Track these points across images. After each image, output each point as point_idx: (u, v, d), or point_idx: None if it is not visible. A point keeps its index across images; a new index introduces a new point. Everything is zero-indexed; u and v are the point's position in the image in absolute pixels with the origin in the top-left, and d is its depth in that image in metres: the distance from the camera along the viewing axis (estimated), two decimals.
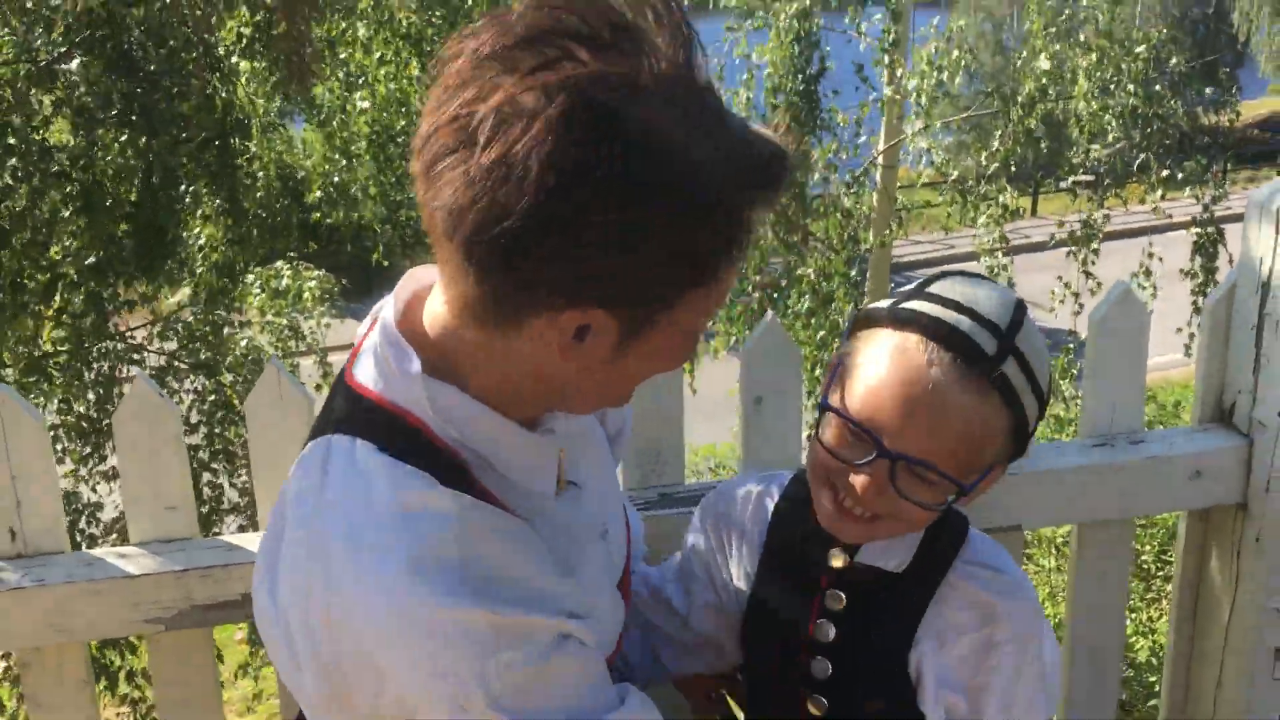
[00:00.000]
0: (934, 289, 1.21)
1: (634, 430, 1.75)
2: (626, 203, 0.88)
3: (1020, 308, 1.21)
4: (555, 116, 0.86)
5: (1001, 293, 1.22)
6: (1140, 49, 6.60)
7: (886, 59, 6.99)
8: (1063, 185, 8.22)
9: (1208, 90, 11.02)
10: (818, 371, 6.81)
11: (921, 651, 1.27)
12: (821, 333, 6.72)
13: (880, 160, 7.18)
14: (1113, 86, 6.59)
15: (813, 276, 6.61)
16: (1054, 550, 6.67)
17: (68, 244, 5.52)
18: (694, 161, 0.89)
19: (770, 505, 1.39)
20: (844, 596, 1.29)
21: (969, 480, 1.18)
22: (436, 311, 1.05)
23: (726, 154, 0.92)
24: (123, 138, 5.59)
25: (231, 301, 7.09)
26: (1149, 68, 6.64)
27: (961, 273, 1.25)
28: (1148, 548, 6.98)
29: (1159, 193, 7.51)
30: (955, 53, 6.79)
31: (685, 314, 0.99)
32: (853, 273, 6.76)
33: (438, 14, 7.34)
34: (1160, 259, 7.44)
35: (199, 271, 6.97)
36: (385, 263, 9.08)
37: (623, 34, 0.90)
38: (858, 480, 1.18)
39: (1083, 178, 8.49)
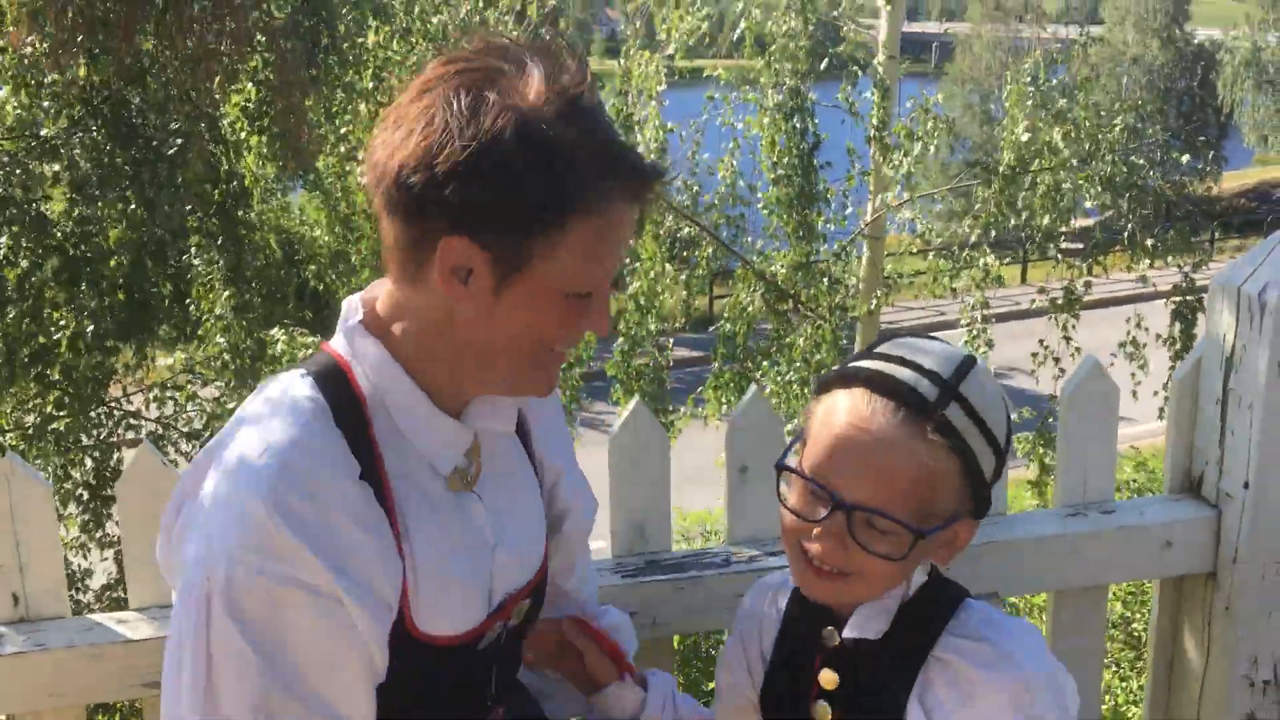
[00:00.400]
0: (881, 349, 1.28)
1: (621, 500, 1.81)
2: (498, 158, 1.10)
3: (968, 361, 1.26)
4: (453, 99, 1.11)
5: (947, 348, 1.27)
6: (1118, 120, 6.75)
7: (874, 133, 7.15)
8: (1049, 254, 8.36)
9: (1184, 158, 11.19)
10: None
11: None
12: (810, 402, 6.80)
13: (866, 230, 7.30)
14: (1091, 159, 6.73)
15: (802, 345, 6.72)
16: (1041, 616, 6.69)
17: (62, 313, 5.58)
18: (556, 138, 1.11)
19: (789, 594, 1.42)
20: (837, 676, 1.31)
21: (927, 526, 1.21)
22: (386, 284, 1.25)
23: (592, 145, 1.13)
24: (119, 208, 5.69)
25: (253, 367, 7.10)
26: (1128, 139, 6.79)
27: (911, 334, 1.31)
28: (1139, 615, 6.99)
29: (1144, 261, 7.63)
30: (930, 123, 6.96)
31: (548, 268, 1.15)
32: (841, 341, 6.86)
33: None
34: (1146, 327, 7.54)
35: (215, 339, 7.00)
36: None
37: (533, 61, 1.15)
38: (820, 536, 1.22)
39: (1073, 246, 8.63)
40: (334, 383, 1.22)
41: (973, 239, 6.94)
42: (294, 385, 1.21)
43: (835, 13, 7.88)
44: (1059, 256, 8.10)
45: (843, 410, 1.23)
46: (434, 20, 7.37)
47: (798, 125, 7.33)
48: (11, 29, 5.05)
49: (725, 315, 7.36)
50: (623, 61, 7.67)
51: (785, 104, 7.31)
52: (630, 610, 1.75)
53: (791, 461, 1.27)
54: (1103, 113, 6.95)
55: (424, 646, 1.24)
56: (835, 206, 7.36)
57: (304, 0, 6.37)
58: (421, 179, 1.11)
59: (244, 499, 1.14)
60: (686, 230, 7.49)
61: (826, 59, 7.91)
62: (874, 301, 7.01)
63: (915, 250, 7.71)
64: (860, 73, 7.76)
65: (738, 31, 7.99)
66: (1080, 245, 8.90)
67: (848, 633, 1.29)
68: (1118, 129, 6.70)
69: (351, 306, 1.27)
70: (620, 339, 7.17)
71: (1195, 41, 42.62)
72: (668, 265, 7.12)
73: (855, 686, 1.30)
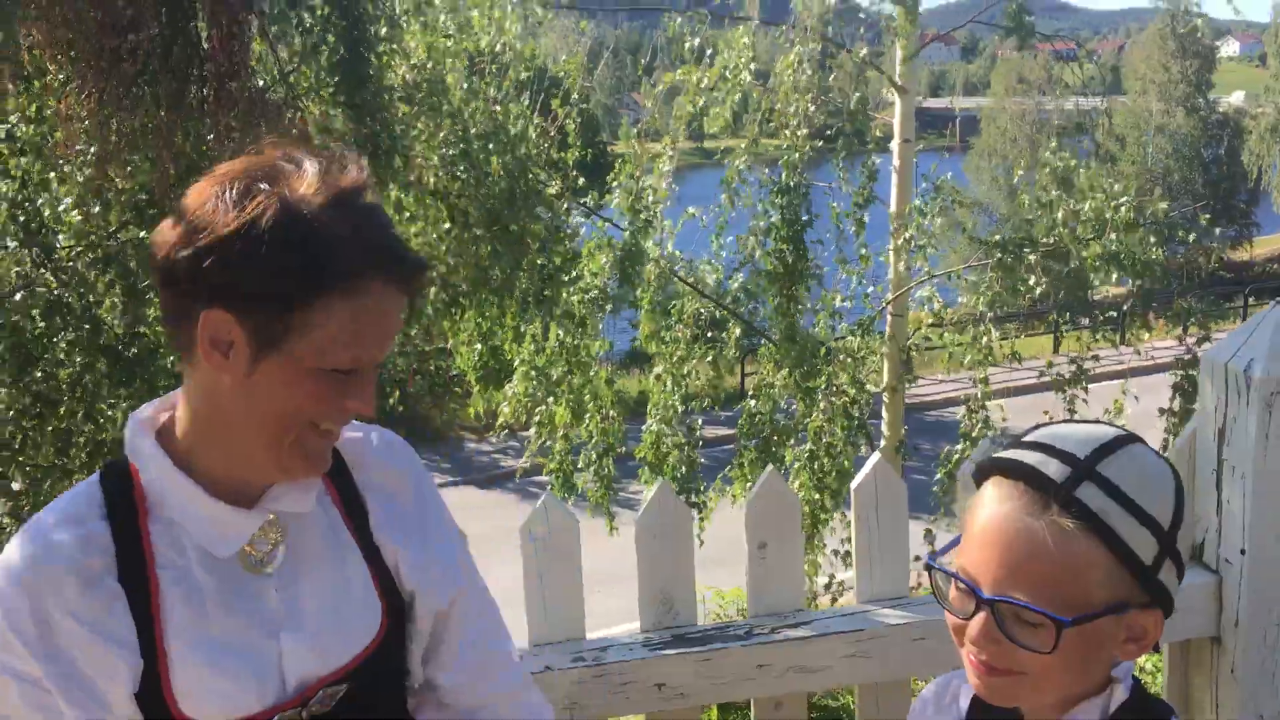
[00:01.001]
0: (1025, 435, 1.23)
1: (647, 577, 1.92)
2: (256, 235, 1.16)
3: (1117, 439, 1.19)
4: (228, 188, 1.19)
5: (1095, 428, 1.21)
6: (1124, 199, 6.85)
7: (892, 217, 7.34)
8: (1081, 324, 8.45)
9: (1216, 229, 11.29)
10: (823, 516, 6.98)
11: None
12: (825, 476, 6.88)
13: (890, 308, 7.44)
14: (1098, 237, 6.83)
15: (821, 421, 6.82)
16: None
17: (115, 410, 5.77)
18: (316, 223, 1.18)
19: (971, 694, 1.34)
20: None
21: (1075, 615, 1.12)
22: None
23: (357, 234, 1.20)
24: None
25: None
26: (1135, 215, 6.89)
27: (1066, 420, 1.26)
28: (1153, 681, 6.92)
29: (1144, 334, 7.70)
30: (938, 203, 7.12)
31: (305, 343, 1.20)
32: (855, 416, 6.93)
33: (461, 169, 7.77)
34: (1136, 396, 7.46)
35: None
36: (401, 408, 9.34)
37: (311, 161, 1.23)
38: (975, 633, 1.17)
39: (1081, 320, 8.72)
40: (119, 478, 1.29)
41: (981, 314, 7.04)
42: (88, 480, 1.31)
43: (850, 99, 8.09)
44: (1075, 325, 8.18)
45: (981, 502, 1.19)
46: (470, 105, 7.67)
47: (788, 204, 7.50)
48: (60, 140, 5.33)
49: (751, 393, 7.48)
50: (635, 144, 7.92)
51: (781, 181, 7.51)
52: (658, 683, 1.86)
53: (947, 559, 1.23)
54: (1107, 189, 7.05)
55: None
56: (853, 284, 7.51)
57: (354, 105, 6.63)
58: (187, 254, 1.18)
59: None
60: (714, 312, 7.64)
61: (839, 137, 8.09)
62: (898, 380, 7.13)
63: (932, 324, 7.83)
64: (874, 158, 7.95)
65: (756, 115, 8.23)
66: (1114, 313, 8.97)
67: None
68: (1123, 209, 6.80)
69: (139, 411, 1.34)
70: (649, 421, 7.29)
71: (1219, 110, 42.83)
72: (694, 346, 7.27)
73: None
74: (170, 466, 1.27)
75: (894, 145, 7.67)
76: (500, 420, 8.05)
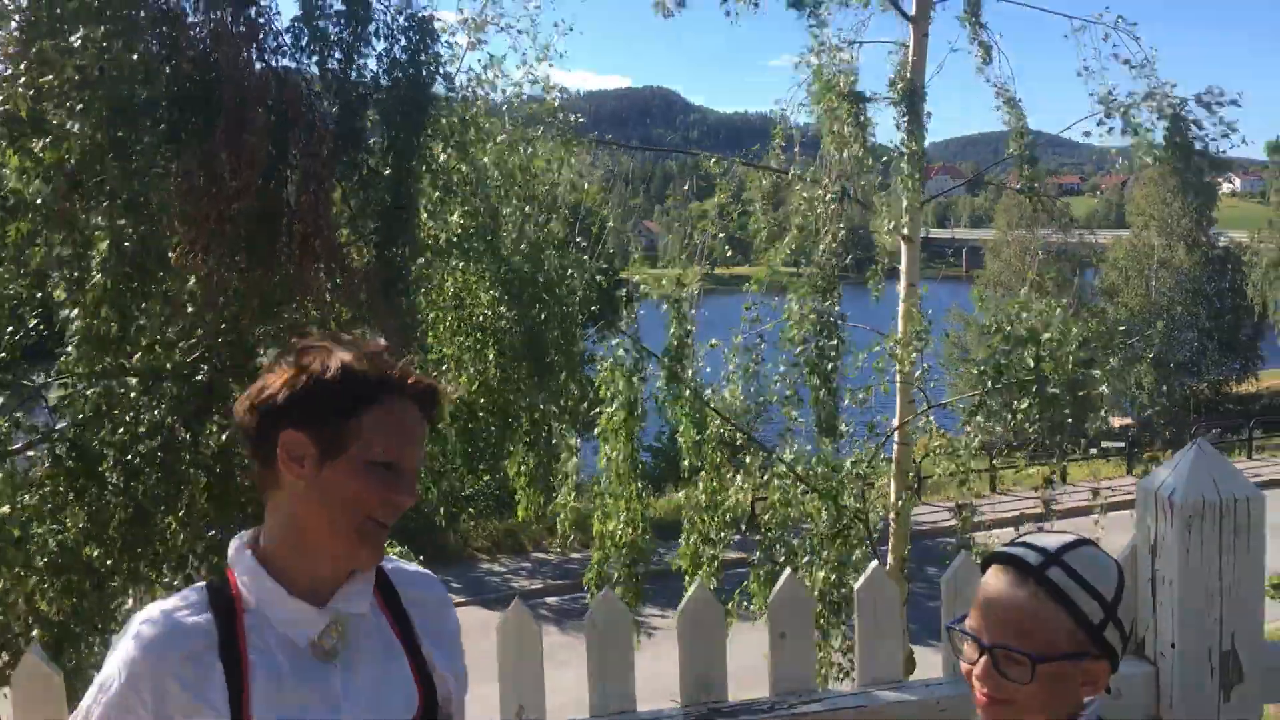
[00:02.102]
0: (1016, 539, 1.75)
1: (689, 660, 2.35)
2: (314, 380, 1.63)
3: (1078, 541, 1.68)
4: (287, 359, 1.68)
5: (1065, 536, 1.70)
6: (1116, 340, 7.35)
7: (895, 347, 7.91)
8: (1090, 453, 8.92)
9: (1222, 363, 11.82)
10: (833, 620, 7.47)
11: None
12: (821, 573, 7.38)
13: (896, 437, 7.93)
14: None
15: (822, 532, 7.33)
16: None
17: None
18: (355, 368, 1.65)
19: None
20: None
21: (1045, 654, 1.59)
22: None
23: (383, 375, 1.67)
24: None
25: None
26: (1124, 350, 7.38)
27: (1043, 531, 1.83)
28: None
29: (1155, 464, 8.14)
30: (924, 336, 7.71)
31: (358, 446, 1.63)
32: (852, 536, 7.41)
33: (505, 308, 8.46)
34: (1104, 527, 7.88)
35: None
36: (443, 525, 9.86)
37: (350, 339, 1.72)
38: (979, 671, 1.64)
39: (1113, 444, 9.15)
40: (220, 581, 1.70)
41: (974, 446, 7.53)
42: (197, 585, 1.71)
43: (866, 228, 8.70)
44: (1086, 454, 8.61)
45: (984, 582, 1.68)
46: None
47: (820, 344, 8.13)
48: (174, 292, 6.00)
49: (765, 519, 7.94)
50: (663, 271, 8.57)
51: (808, 320, 8.13)
52: None
53: (962, 624, 1.70)
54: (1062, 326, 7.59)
55: None
56: (856, 417, 8.08)
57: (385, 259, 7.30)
58: (266, 402, 1.65)
59: (111, 664, 1.64)
60: (739, 437, 8.16)
61: (865, 266, 8.65)
62: (901, 503, 7.59)
63: (936, 451, 8.31)
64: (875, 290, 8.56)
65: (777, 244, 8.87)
66: (1121, 444, 9.39)
67: None
68: (1113, 360, 7.32)
69: (239, 538, 1.74)
70: (686, 533, 7.79)
71: (1220, 245, 43.70)
72: (723, 469, 7.82)
73: None
74: (262, 573, 1.68)
75: (900, 289, 8.27)
76: (560, 530, 8.58)
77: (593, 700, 2.33)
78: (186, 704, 1.59)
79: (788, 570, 2.44)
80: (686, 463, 8.10)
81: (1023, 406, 7.18)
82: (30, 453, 6.14)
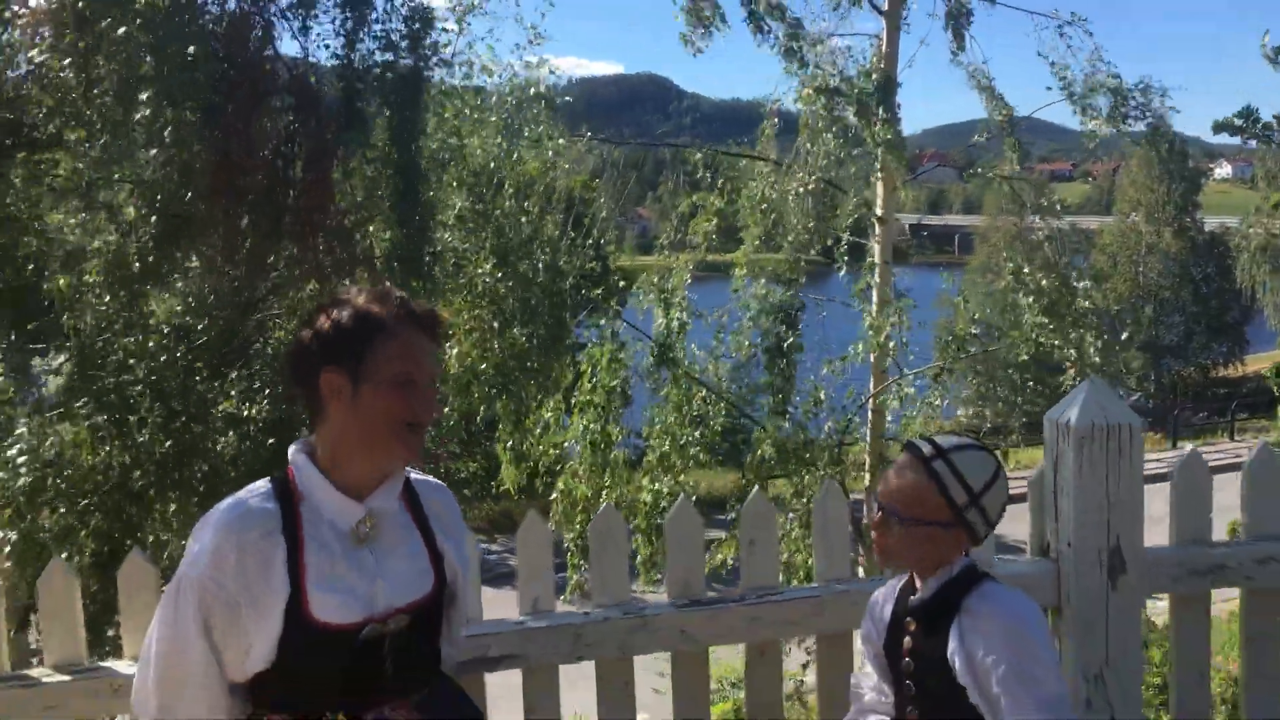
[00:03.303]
0: (931, 437, 2.28)
1: (673, 565, 2.85)
2: (337, 326, 2.07)
3: (966, 445, 2.23)
4: (318, 311, 2.14)
5: (963, 439, 2.26)
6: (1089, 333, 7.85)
7: (870, 323, 8.46)
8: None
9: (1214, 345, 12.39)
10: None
11: (953, 650, 2.16)
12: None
13: (870, 405, 8.46)
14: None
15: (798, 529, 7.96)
16: None
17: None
18: (368, 310, 2.08)
19: (895, 589, 2.37)
20: (915, 621, 2.26)
21: (914, 518, 2.17)
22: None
23: (392, 309, 2.09)
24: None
25: None
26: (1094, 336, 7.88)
27: (954, 433, 2.30)
28: None
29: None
30: (898, 317, 8.27)
31: (378, 371, 2.05)
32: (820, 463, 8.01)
33: (503, 275, 9.05)
34: None
35: None
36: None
37: (373, 289, 2.13)
38: (874, 522, 2.24)
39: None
40: (281, 480, 2.12)
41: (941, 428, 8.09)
42: (262, 482, 2.14)
43: (844, 224, 9.21)
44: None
45: (896, 459, 2.27)
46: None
47: (778, 333, 8.73)
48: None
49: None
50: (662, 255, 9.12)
51: (769, 313, 8.75)
52: (681, 629, 2.78)
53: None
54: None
55: (318, 627, 2.02)
56: (835, 391, 8.66)
57: (407, 228, 7.80)
58: (302, 352, 2.10)
59: (199, 540, 2.05)
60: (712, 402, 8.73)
61: (841, 254, 9.17)
62: (878, 473, 8.13)
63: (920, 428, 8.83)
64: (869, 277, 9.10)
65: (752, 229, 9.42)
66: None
67: (918, 596, 2.26)
68: (1090, 336, 7.81)
69: (298, 443, 2.17)
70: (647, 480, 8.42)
71: (1207, 230, 44.30)
72: (687, 428, 8.41)
73: (925, 624, 2.24)
74: (316, 473, 2.11)
75: (874, 265, 8.79)
76: (554, 515, 9.10)
77: (595, 594, 2.84)
78: (259, 572, 2.03)
79: (755, 489, 2.95)
80: (653, 452, 8.69)
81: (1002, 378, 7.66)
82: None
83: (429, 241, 7.93)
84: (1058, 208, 12.25)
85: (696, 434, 8.54)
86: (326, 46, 8.05)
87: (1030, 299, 7.99)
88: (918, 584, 2.29)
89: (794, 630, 2.86)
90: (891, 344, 8.14)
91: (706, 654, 2.88)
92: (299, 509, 2.09)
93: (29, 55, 6.23)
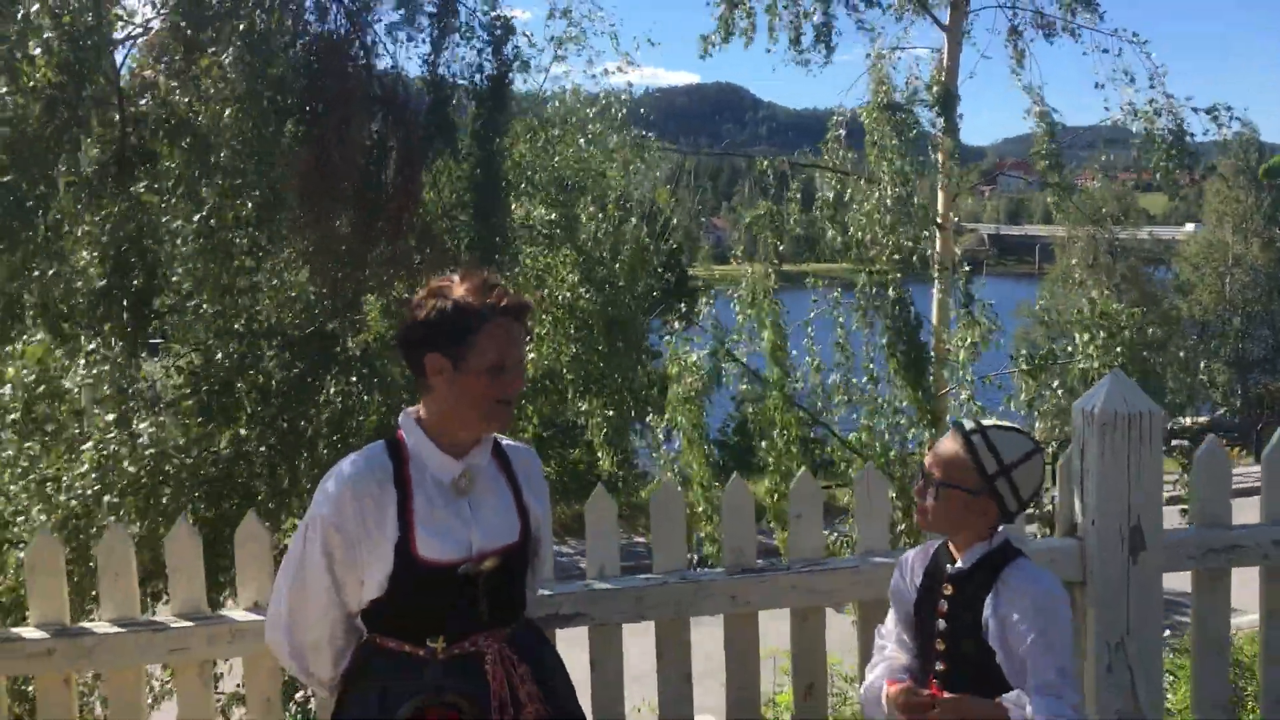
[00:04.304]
0: (979, 419, 2.57)
1: (727, 537, 3.13)
2: (441, 314, 2.35)
3: (1008, 427, 2.48)
4: (424, 298, 2.42)
5: (1006, 424, 2.51)
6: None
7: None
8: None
9: None
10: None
11: (988, 616, 2.43)
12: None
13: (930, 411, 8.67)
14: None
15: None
16: None
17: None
18: (467, 301, 2.35)
19: (929, 552, 2.63)
20: (953, 588, 2.50)
21: (951, 484, 2.44)
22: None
23: (487, 301, 2.36)
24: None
25: None
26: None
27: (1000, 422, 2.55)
28: None
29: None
30: (977, 326, 8.42)
31: (478, 354, 2.34)
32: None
33: (584, 290, 9.46)
34: None
35: None
36: None
37: (469, 276, 2.42)
38: (917, 488, 2.53)
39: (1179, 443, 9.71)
40: (392, 441, 2.45)
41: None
42: (377, 443, 2.48)
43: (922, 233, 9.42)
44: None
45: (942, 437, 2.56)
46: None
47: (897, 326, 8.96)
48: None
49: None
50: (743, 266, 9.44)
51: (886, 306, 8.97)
52: (732, 595, 3.06)
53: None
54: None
55: (423, 564, 2.35)
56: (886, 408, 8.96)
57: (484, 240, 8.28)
58: (410, 335, 2.39)
59: (325, 489, 2.39)
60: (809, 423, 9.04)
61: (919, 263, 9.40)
62: None
63: None
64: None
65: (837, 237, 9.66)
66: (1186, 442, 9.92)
67: (958, 565, 2.51)
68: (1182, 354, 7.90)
69: (407, 410, 2.50)
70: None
71: None
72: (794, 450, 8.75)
73: (961, 594, 2.48)
74: (421, 433, 2.44)
75: (934, 272, 8.99)
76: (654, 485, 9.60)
77: (656, 563, 3.14)
78: (375, 515, 2.37)
79: (802, 469, 3.22)
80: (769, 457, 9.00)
81: (1054, 385, 7.83)
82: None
83: (504, 235, 8.39)
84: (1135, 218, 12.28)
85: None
86: (416, 58, 8.65)
87: (1090, 333, 8.12)
88: (954, 552, 2.55)
89: (834, 598, 3.13)
90: (961, 351, 8.34)
91: (756, 619, 3.16)
92: (408, 465, 2.41)
93: (144, 75, 6.78)
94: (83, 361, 6.78)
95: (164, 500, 6.68)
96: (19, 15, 6.13)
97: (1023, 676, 2.40)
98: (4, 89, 6.17)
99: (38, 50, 6.18)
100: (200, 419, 6.78)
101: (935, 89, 8.56)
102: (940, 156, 8.55)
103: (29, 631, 2.93)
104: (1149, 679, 3.03)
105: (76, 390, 6.85)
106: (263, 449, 6.97)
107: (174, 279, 6.94)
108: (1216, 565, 3.13)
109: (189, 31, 6.58)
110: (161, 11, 6.94)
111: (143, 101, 6.66)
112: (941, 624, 2.54)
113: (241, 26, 6.49)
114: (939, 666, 2.55)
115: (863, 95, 9.76)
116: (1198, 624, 3.18)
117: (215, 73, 6.37)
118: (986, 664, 2.45)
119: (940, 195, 9.05)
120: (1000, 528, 2.51)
